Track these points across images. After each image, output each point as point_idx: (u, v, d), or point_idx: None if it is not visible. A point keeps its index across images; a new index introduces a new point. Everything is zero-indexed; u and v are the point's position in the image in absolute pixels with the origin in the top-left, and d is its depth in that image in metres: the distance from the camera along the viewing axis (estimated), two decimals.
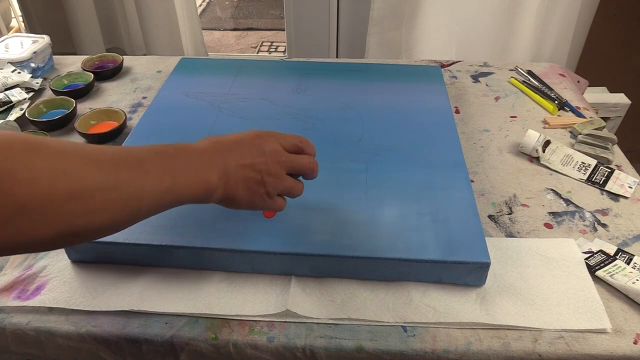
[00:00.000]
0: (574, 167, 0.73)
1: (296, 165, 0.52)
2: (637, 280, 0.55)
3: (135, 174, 0.40)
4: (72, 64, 1.01)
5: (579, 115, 0.85)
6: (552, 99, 0.87)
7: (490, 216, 0.66)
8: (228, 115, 0.77)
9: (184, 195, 0.44)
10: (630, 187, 0.70)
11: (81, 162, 0.37)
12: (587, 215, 0.66)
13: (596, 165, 0.72)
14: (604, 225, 0.65)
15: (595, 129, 0.78)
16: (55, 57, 1.02)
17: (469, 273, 0.56)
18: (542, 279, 0.57)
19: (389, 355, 0.52)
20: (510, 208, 0.67)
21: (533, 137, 0.75)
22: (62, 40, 1.45)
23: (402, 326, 0.53)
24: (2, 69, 0.92)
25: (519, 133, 0.80)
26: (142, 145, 0.43)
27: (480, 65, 0.99)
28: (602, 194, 0.69)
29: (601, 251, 0.60)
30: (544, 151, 0.74)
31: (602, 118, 0.93)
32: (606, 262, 0.59)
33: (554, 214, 0.66)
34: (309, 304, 0.55)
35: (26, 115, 0.82)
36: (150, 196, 0.41)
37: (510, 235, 0.64)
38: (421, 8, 1.27)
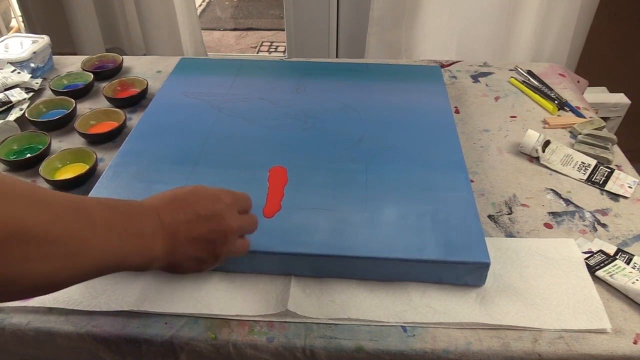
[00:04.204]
0: (573, 167, 0.73)
1: (245, 229, 0.51)
2: (637, 280, 0.55)
3: (84, 225, 0.36)
4: (72, 64, 1.01)
5: (579, 115, 0.85)
6: (552, 99, 0.87)
7: (490, 216, 0.66)
8: (228, 115, 0.77)
9: (126, 262, 0.40)
10: (630, 187, 0.70)
11: (28, 202, 0.34)
12: (587, 215, 0.66)
13: (596, 165, 0.72)
14: (603, 225, 0.65)
15: (595, 129, 0.78)
16: (55, 57, 1.02)
17: (469, 273, 0.56)
18: (541, 279, 0.57)
19: (388, 355, 0.52)
20: (510, 208, 0.67)
21: (533, 137, 0.75)
22: (62, 40, 1.45)
23: (402, 326, 0.53)
24: (2, 69, 0.92)
25: (519, 133, 0.80)
26: (95, 197, 0.40)
27: (480, 65, 0.99)
28: (602, 194, 0.69)
29: (601, 251, 0.60)
30: (543, 151, 0.74)
31: (602, 118, 0.93)
32: (606, 262, 0.59)
33: (553, 214, 0.66)
34: (308, 304, 0.55)
35: (26, 115, 0.82)
36: (95, 256, 0.37)
37: (510, 235, 0.64)
38: (421, 8, 1.27)
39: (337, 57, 1.48)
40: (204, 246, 0.46)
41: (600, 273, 0.58)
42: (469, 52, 1.29)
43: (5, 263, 0.32)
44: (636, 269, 0.58)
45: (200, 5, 2.78)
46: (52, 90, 0.90)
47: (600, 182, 0.71)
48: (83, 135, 0.79)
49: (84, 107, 0.88)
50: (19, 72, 0.92)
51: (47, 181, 0.70)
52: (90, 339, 0.54)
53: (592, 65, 1.36)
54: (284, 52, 1.97)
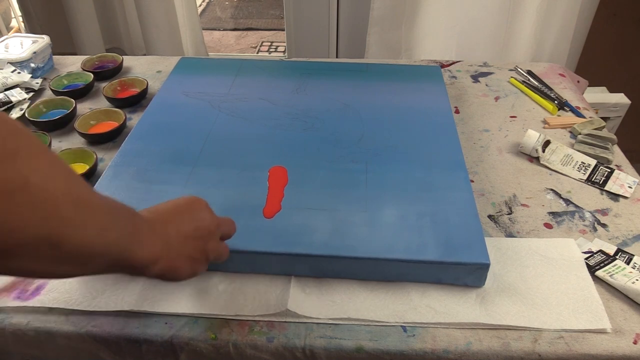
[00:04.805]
0: (573, 167, 0.73)
1: (225, 229, 0.52)
2: (637, 280, 0.55)
3: (115, 216, 0.39)
4: (72, 64, 1.01)
5: (579, 115, 0.85)
6: (552, 99, 0.87)
7: (490, 216, 0.66)
8: (228, 115, 0.77)
9: (128, 259, 0.40)
10: (630, 187, 0.70)
11: (73, 178, 0.35)
12: (587, 215, 0.66)
13: (596, 165, 0.72)
14: (603, 225, 0.65)
15: (595, 129, 0.78)
16: (55, 57, 1.02)
17: (469, 274, 0.56)
18: (541, 279, 0.57)
19: (388, 355, 0.52)
20: (510, 208, 0.67)
21: (533, 137, 0.75)
22: (62, 40, 1.45)
23: (402, 326, 0.53)
24: (2, 69, 0.92)
25: (519, 133, 0.80)
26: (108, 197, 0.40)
27: (480, 65, 0.99)
28: (602, 194, 0.69)
29: (601, 251, 0.60)
30: (543, 151, 0.74)
31: (602, 118, 0.93)
32: (606, 262, 0.59)
33: (553, 214, 0.66)
34: (308, 304, 0.55)
35: (26, 115, 0.82)
36: (107, 247, 0.37)
37: (510, 235, 0.64)
38: (421, 8, 1.27)
39: (337, 57, 1.48)
40: (193, 243, 0.46)
41: (600, 273, 0.58)
42: (469, 52, 1.29)
43: (60, 223, 0.33)
44: (636, 269, 0.58)
45: (200, 5, 2.78)
46: (52, 90, 0.90)
47: (600, 182, 0.71)
48: (83, 135, 0.79)
49: (84, 107, 0.88)
50: (19, 72, 0.92)
51: None
52: (90, 339, 0.54)
53: (592, 65, 1.36)
54: (284, 52, 1.98)
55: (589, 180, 0.71)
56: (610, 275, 0.57)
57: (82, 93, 0.91)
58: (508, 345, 0.51)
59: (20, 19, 1.59)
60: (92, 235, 0.35)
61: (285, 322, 0.54)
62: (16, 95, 0.87)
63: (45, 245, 0.32)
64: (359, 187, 0.64)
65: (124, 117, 0.81)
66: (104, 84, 0.90)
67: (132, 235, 0.40)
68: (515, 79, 0.93)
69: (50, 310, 0.56)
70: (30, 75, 0.93)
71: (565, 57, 1.28)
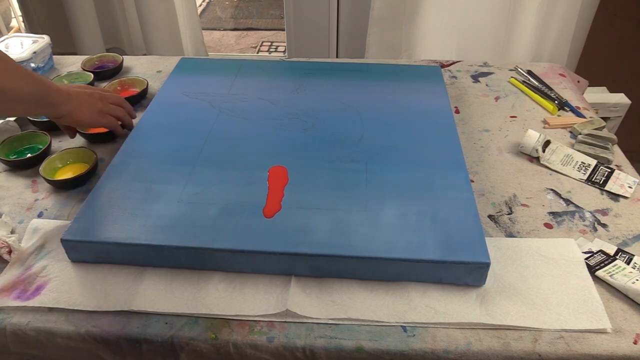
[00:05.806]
0: (574, 167, 0.73)
1: (113, 100, 0.76)
2: (637, 280, 0.55)
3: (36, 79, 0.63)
4: (72, 64, 1.01)
5: (579, 115, 0.85)
6: (552, 99, 0.87)
7: (490, 216, 0.66)
8: (228, 115, 0.77)
9: (47, 98, 0.65)
10: (630, 187, 0.70)
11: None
12: (587, 215, 0.66)
13: (596, 165, 0.72)
14: (603, 225, 0.65)
15: (595, 129, 0.78)
16: (55, 57, 1.02)
17: (469, 273, 0.56)
18: (542, 279, 0.57)
19: (389, 355, 0.52)
20: (510, 208, 0.67)
21: (533, 137, 0.75)
22: (62, 40, 1.45)
23: (402, 326, 0.53)
24: None
25: (519, 133, 0.80)
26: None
27: (480, 65, 0.99)
28: (602, 194, 0.69)
29: (601, 251, 0.60)
30: (544, 151, 0.74)
31: (602, 118, 0.93)
32: (606, 262, 0.59)
33: (554, 214, 0.66)
34: (308, 304, 0.55)
35: None
36: (32, 93, 0.63)
37: (510, 235, 0.64)
38: (421, 8, 1.27)
39: (337, 57, 1.48)
40: (88, 98, 0.72)
41: (600, 273, 0.58)
42: (469, 52, 1.29)
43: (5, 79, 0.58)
44: (636, 269, 0.58)
45: (200, 5, 2.78)
46: None
47: (601, 182, 0.71)
48: (83, 135, 0.79)
49: None
50: None
51: (48, 181, 0.70)
52: (90, 339, 0.54)
53: (592, 65, 1.36)
54: (284, 52, 1.97)
55: (589, 180, 0.71)
56: (611, 275, 0.57)
57: None
58: (508, 345, 0.51)
59: (20, 19, 1.59)
60: (22, 86, 0.61)
61: (285, 322, 0.54)
62: None
63: None
64: (359, 186, 0.64)
65: None
66: (104, 84, 0.90)
67: (48, 86, 0.66)
68: (516, 79, 0.93)
69: (51, 310, 0.56)
70: None
71: (566, 57, 1.28)
